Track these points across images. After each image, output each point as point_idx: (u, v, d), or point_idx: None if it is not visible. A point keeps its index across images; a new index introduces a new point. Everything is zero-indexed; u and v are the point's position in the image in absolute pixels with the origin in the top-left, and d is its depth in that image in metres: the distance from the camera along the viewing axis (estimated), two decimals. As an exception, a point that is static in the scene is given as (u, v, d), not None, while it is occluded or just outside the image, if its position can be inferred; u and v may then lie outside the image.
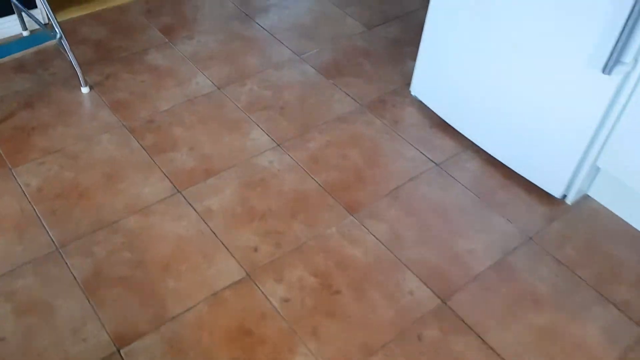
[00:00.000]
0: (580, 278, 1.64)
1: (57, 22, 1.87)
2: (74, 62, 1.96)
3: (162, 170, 1.81)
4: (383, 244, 1.67)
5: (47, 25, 2.32)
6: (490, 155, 1.97)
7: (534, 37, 1.65)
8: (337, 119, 2.07)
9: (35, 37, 1.81)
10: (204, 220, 1.68)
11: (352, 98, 2.16)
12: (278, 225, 1.70)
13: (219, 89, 2.14)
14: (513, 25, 1.69)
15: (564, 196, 1.86)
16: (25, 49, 1.77)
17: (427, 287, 1.58)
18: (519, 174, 1.92)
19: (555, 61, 1.64)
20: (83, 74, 2.09)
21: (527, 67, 1.71)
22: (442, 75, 2.01)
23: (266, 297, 1.52)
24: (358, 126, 2.05)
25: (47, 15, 2.32)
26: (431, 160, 1.95)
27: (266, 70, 2.25)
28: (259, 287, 1.54)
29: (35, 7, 2.26)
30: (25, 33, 2.25)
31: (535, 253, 1.71)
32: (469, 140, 2.02)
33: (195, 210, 1.71)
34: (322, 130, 2.02)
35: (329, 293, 1.55)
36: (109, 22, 2.40)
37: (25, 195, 1.70)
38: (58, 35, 1.85)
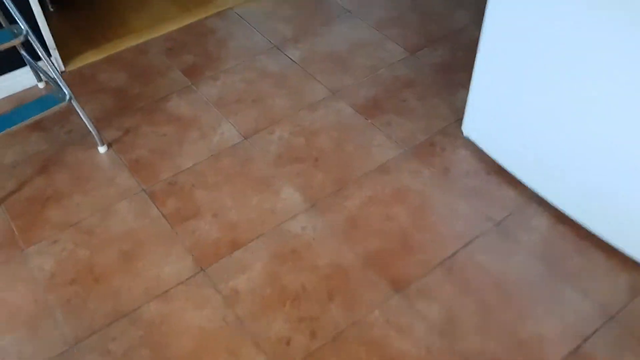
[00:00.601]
0: (679, 371, 1.36)
1: (65, 82, 1.70)
2: (87, 123, 1.80)
3: (183, 244, 1.63)
4: (436, 331, 1.44)
5: (63, 74, 2.18)
6: (559, 210, 1.69)
7: (624, 67, 1.33)
8: (378, 169, 1.83)
9: (42, 102, 1.66)
10: (229, 306, 1.50)
11: (395, 141, 1.92)
12: (313, 309, 1.49)
13: (245, 138, 1.94)
14: (595, 45, 1.38)
15: (652, 260, 1.57)
16: (31, 117, 1.61)
17: (491, 388, 1.35)
18: (595, 234, 1.64)
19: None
20: (101, 130, 1.93)
21: (612, 103, 1.39)
22: (499, 111, 1.72)
23: (301, 406, 1.33)
24: (403, 177, 1.81)
25: (59, 67, 2.18)
26: (490, 218, 1.69)
27: (298, 113, 2.03)
28: (292, 394, 1.34)
29: (50, 56, 2.12)
30: (40, 85, 2.12)
31: (618, 337, 1.43)
32: (534, 191, 1.74)
33: (219, 292, 1.52)
34: (362, 184, 1.79)
35: (373, 401, 1.33)
36: (128, 66, 2.23)
37: (39, 283, 1.56)
38: (67, 97, 1.69)
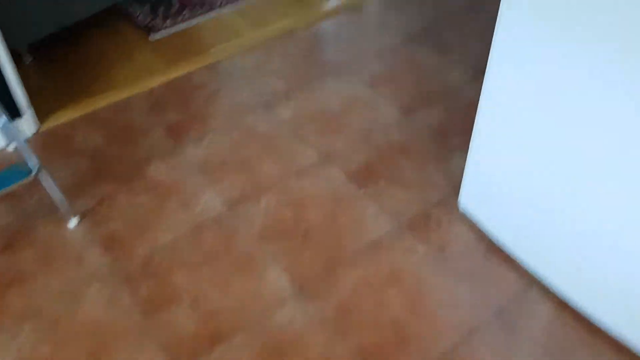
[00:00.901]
0: None
1: (33, 152, 1.58)
2: (56, 197, 1.67)
3: (157, 339, 1.48)
4: None
5: (37, 134, 2.06)
6: (562, 296, 1.57)
7: (635, 145, 1.23)
8: (371, 246, 1.71)
9: (7, 176, 1.53)
10: (207, 413, 1.36)
11: (388, 214, 1.80)
12: (299, 416, 1.36)
13: (229, 209, 1.82)
14: (605, 117, 1.26)
15: (666, 357, 1.45)
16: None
17: None
18: (601, 325, 1.52)
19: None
20: (73, 199, 1.80)
21: (621, 183, 1.28)
22: (497, 185, 1.61)
23: None
24: (397, 256, 1.69)
25: (33, 125, 2.05)
26: (490, 305, 1.56)
27: (286, 180, 1.91)
28: None
29: (19, 115, 1.99)
30: (11, 146, 1.98)
31: None
32: (535, 274, 1.63)
33: (196, 396, 1.38)
34: (354, 264, 1.66)
35: None
36: (108, 125, 2.11)
37: (-7, 382, 1.41)
38: (35, 171, 1.56)
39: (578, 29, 1.21)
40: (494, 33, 1.42)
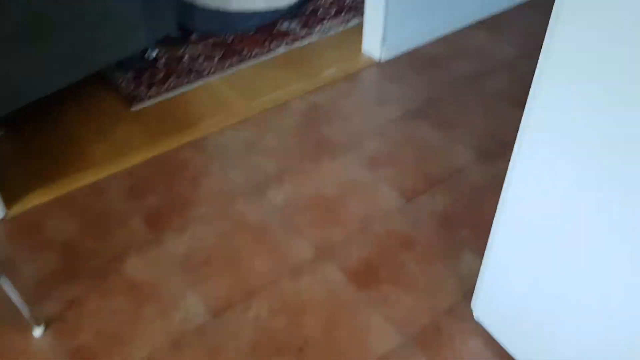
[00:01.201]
0: None
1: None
2: (18, 303, 1.46)
3: None
4: None
5: (4, 220, 1.85)
6: None
7: None
8: (375, 365, 1.53)
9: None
10: None
11: (394, 325, 1.61)
12: None
13: (215, 317, 1.61)
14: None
15: None
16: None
17: None
18: None
19: None
20: (39, 302, 1.59)
21: None
22: (520, 295, 1.43)
23: None
24: (405, 378, 1.50)
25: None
26: None
27: (279, 280, 1.72)
28: None
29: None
30: (-29, 238, 1.79)
31: None
32: (562, 403, 1.45)
33: None
34: (356, 389, 1.47)
35: None
36: (81, 210, 1.91)
37: None
38: (-7, 283, 1.37)
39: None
40: (522, 121, 1.25)
